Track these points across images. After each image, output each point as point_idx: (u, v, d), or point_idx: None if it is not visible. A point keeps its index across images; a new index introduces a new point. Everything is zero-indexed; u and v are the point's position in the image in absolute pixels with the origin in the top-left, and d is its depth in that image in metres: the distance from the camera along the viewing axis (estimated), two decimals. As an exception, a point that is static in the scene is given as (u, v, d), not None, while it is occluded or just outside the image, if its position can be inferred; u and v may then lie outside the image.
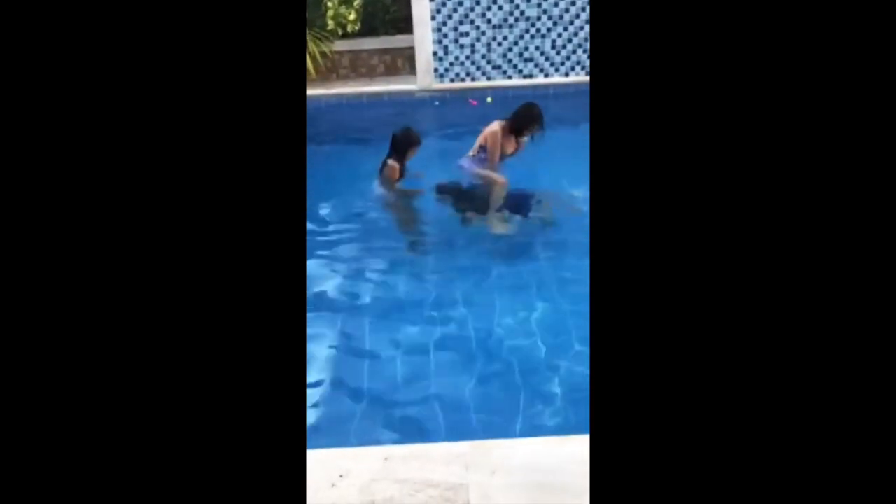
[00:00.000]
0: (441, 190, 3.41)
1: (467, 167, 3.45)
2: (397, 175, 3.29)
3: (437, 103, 5.55)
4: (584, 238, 2.94)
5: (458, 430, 1.95)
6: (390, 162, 3.29)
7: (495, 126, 3.41)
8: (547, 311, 2.61)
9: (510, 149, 3.46)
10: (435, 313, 2.64)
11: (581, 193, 3.48)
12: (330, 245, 3.32)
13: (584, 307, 2.50)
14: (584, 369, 2.22)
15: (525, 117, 3.35)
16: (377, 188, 3.42)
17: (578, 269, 2.90)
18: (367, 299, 2.80)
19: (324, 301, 2.80)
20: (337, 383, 2.24)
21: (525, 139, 3.45)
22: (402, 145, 3.27)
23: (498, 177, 3.46)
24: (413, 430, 1.98)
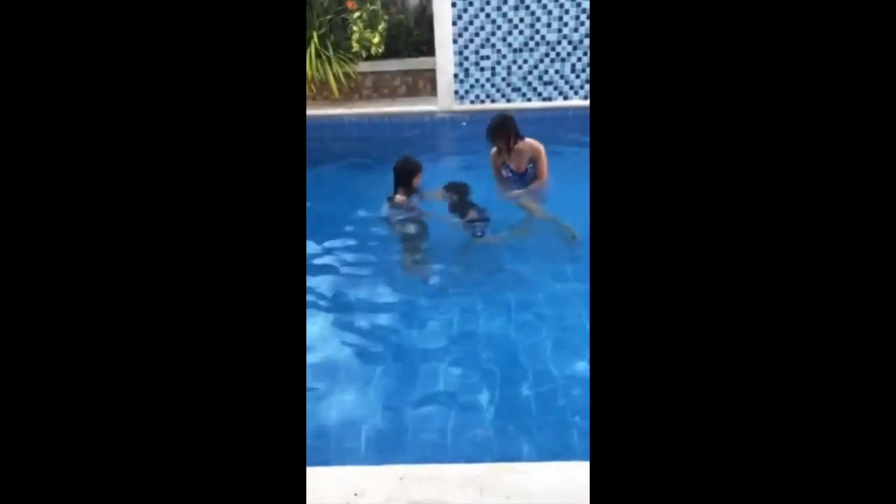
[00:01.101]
0: (448, 188, 3.45)
1: (507, 193, 3.52)
2: (408, 205, 3.37)
3: (464, 124, 5.62)
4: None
5: (474, 452, 1.95)
6: (398, 197, 3.36)
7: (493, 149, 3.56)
8: (565, 333, 2.60)
9: (519, 165, 3.49)
10: (450, 334, 2.65)
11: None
12: (344, 261, 3.36)
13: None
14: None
15: (489, 131, 3.46)
16: (386, 212, 3.49)
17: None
18: (378, 318, 2.82)
19: (332, 315, 2.81)
20: (350, 401, 2.25)
21: (530, 148, 3.49)
22: (406, 175, 3.34)
23: (532, 204, 3.50)
24: (427, 450, 1.98)
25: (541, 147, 3.50)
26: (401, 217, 3.45)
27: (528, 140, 3.49)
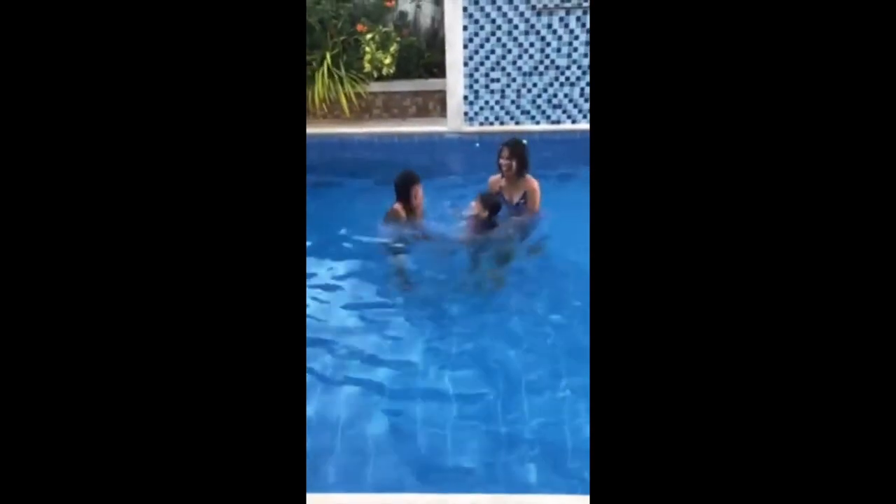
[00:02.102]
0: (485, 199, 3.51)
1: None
2: (403, 215, 3.48)
3: (477, 145, 5.66)
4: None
5: (476, 481, 1.92)
6: (395, 206, 3.49)
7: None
8: (568, 362, 2.57)
9: (512, 197, 3.57)
10: (451, 360, 2.63)
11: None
12: (349, 279, 3.37)
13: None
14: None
15: (508, 144, 3.56)
16: (382, 229, 3.57)
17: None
18: (377, 339, 2.80)
19: (330, 336, 2.80)
20: (348, 428, 2.23)
21: (527, 184, 3.57)
22: (404, 187, 3.47)
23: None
24: (431, 479, 1.96)
25: (536, 185, 3.57)
26: (396, 237, 3.50)
27: (528, 176, 3.55)
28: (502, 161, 3.52)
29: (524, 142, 3.59)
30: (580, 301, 2.93)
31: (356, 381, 2.50)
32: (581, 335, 2.62)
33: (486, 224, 3.46)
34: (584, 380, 2.42)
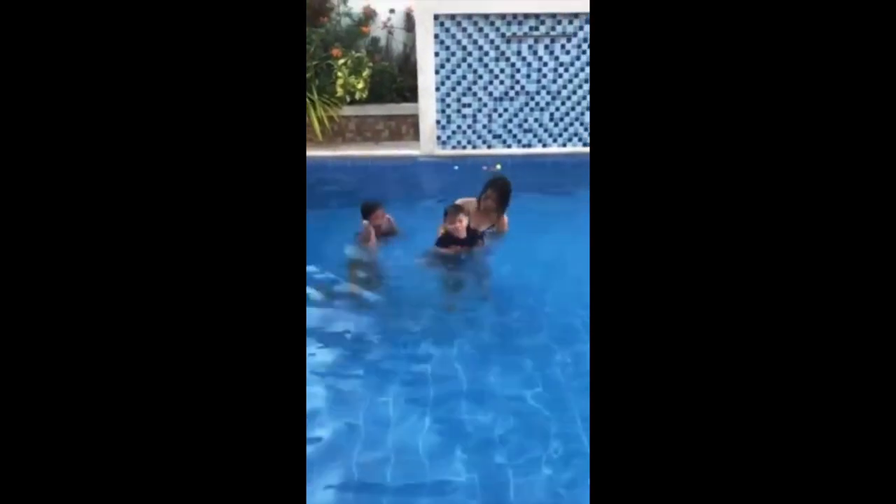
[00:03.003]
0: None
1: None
2: (371, 236, 3.65)
3: (456, 168, 5.71)
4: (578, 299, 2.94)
5: None
6: (363, 231, 3.67)
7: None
8: (547, 379, 2.56)
9: (480, 224, 3.61)
10: (429, 387, 2.59)
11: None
12: (323, 300, 3.32)
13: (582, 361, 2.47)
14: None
15: (501, 188, 3.65)
16: (350, 249, 3.67)
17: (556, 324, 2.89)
18: (349, 365, 2.75)
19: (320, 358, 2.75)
20: (323, 458, 2.16)
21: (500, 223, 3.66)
22: (367, 212, 3.73)
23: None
24: None
25: (505, 219, 3.69)
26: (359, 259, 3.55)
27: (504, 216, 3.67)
28: (489, 202, 3.57)
29: (510, 188, 3.65)
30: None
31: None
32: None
33: (473, 235, 3.46)
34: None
